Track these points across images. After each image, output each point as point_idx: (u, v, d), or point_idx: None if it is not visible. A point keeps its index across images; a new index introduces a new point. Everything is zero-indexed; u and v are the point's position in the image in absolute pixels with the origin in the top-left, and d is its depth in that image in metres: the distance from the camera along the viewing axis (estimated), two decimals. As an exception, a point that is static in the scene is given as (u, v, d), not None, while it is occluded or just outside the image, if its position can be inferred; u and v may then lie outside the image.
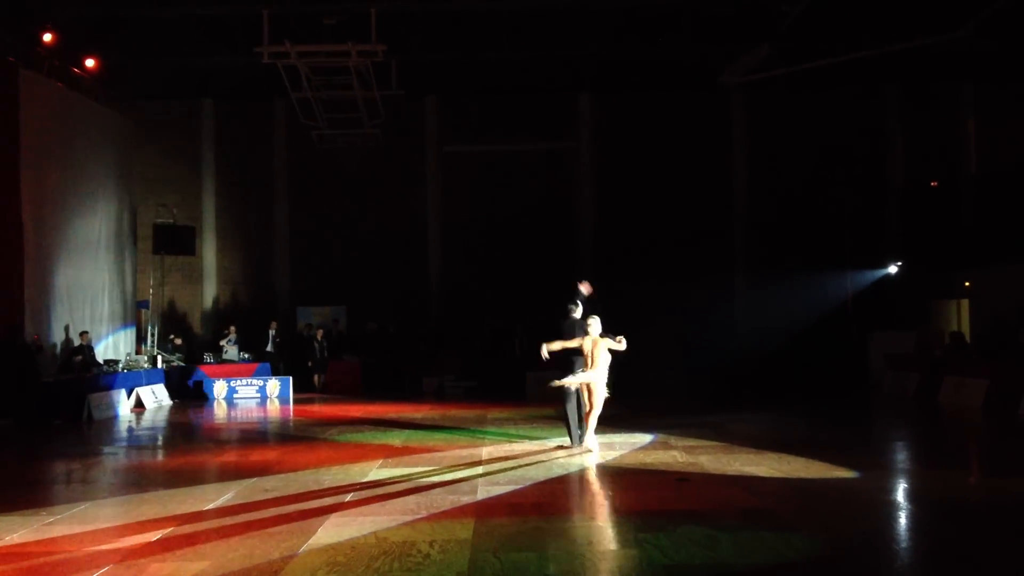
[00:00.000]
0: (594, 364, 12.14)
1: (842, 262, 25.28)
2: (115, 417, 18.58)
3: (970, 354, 19.99)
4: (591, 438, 12.39)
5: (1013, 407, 16.52)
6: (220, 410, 20.57)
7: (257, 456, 13.02)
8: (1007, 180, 23.54)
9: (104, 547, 7.65)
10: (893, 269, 25.52)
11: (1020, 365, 17.29)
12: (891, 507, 9.09)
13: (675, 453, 12.22)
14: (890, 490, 9.81)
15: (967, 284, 24.28)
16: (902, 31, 21.60)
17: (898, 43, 21.54)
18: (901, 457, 12.49)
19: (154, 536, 7.92)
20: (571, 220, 27.05)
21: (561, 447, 12.87)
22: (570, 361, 12.61)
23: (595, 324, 12.29)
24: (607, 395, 12.33)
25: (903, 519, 8.62)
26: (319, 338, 23.98)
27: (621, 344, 12.11)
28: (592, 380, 12.20)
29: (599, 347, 12.13)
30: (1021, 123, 25.36)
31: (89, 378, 19.03)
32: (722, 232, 26.66)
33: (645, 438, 13.60)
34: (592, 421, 12.37)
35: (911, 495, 9.63)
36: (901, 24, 21.72)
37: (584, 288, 13.19)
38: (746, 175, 26.91)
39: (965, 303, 24.76)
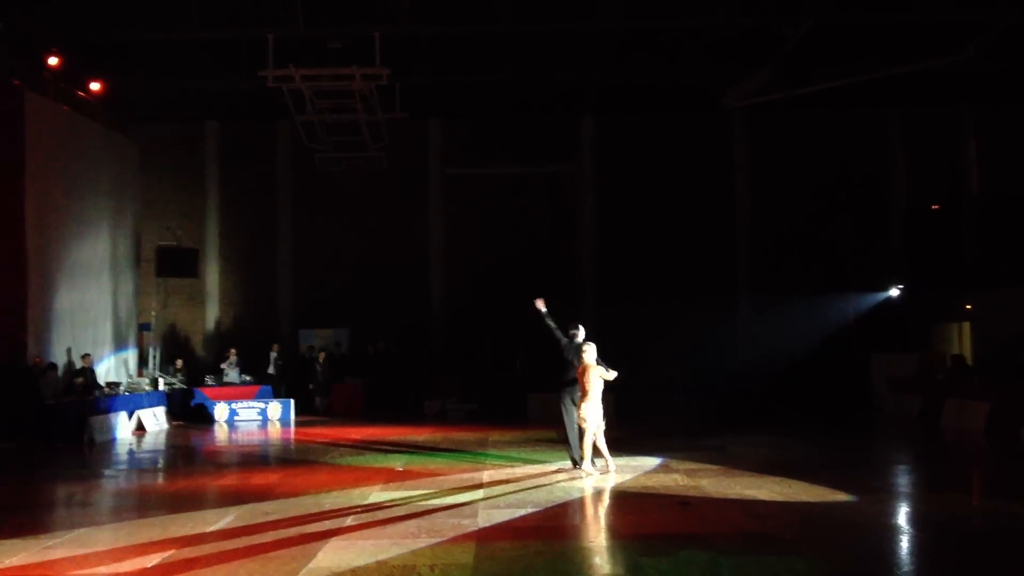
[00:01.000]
0: (586, 392, 12.27)
1: (844, 284, 25.29)
2: (116, 440, 18.57)
3: (972, 377, 19.95)
4: (588, 463, 12.43)
5: (1015, 430, 16.47)
6: (221, 433, 20.53)
7: (258, 479, 13.00)
8: (1009, 203, 23.59)
9: (103, 570, 7.65)
10: (895, 291, 25.51)
11: (1021, 389, 17.26)
12: (893, 531, 9.07)
13: (676, 476, 12.21)
14: (892, 514, 9.80)
15: (969, 307, 24.26)
16: (903, 54, 21.68)
17: (899, 66, 21.60)
18: (903, 480, 12.47)
19: (154, 560, 7.92)
20: (574, 241, 27.09)
21: (561, 470, 12.87)
22: (569, 387, 12.78)
23: (590, 351, 12.43)
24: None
25: (905, 543, 8.61)
26: (321, 360, 23.97)
27: (611, 375, 12.25)
28: (589, 410, 12.26)
29: (590, 374, 12.25)
30: (1022, 146, 25.44)
31: (90, 401, 18.99)
32: (724, 253, 26.67)
33: (646, 461, 13.58)
34: (587, 447, 12.41)
35: (913, 519, 9.61)
36: (902, 47, 21.81)
37: (540, 304, 13.35)
38: (748, 197, 26.94)
39: (967, 326, 24.73)
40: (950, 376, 20.75)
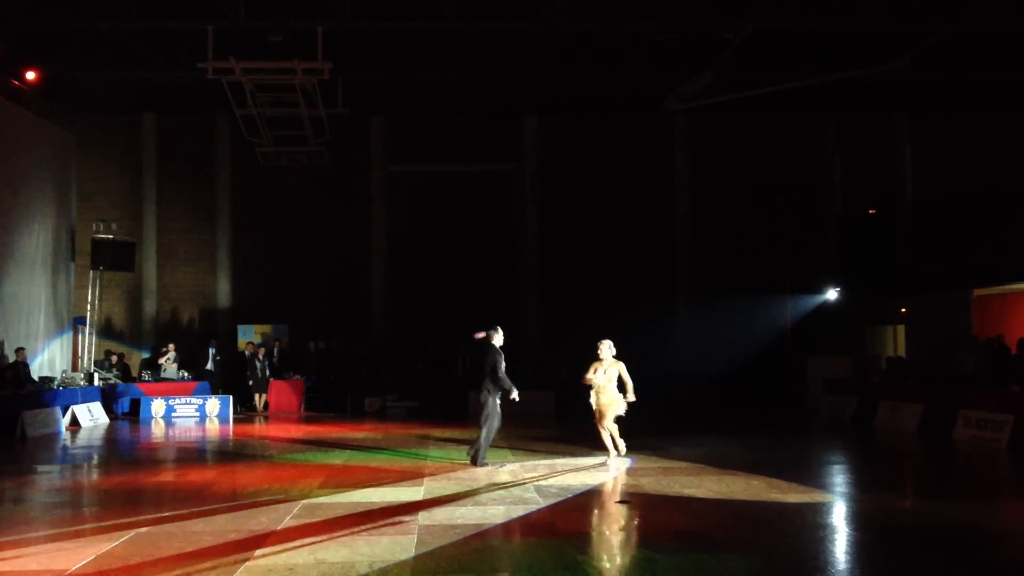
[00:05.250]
0: (604, 388, 13.46)
1: (782, 287, 25.60)
2: (49, 435, 18.20)
3: (905, 379, 20.32)
4: (614, 457, 13.50)
5: (947, 431, 16.84)
6: (158, 429, 20.25)
7: (195, 476, 12.86)
8: (942, 208, 24.05)
9: (36, 568, 7.51)
10: (831, 295, 25.89)
11: (954, 390, 17.63)
12: (827, 530, 9.20)
13: (616, 475, 12.29)
14: (826, 513, 9.93)
15: (903, 310, 24.71)
16: (842, 61, 22.07)
17: (837, 73, 21.96)
18: (837, 480, 12.64)
19: (87, 558, 7.78)
20: (515, 241, 27.14)
21: (504, 465, 12.99)
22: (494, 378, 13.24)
23: (605, 347, 13.53)
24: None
25: (838, 542, 8.73)
26: (260, 357, 23.74)
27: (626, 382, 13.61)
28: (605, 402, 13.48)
29: (613, 370, 13.50)
30: (956, 153, 25.98)
31: (23, 395, 18.64)
32: (664, 255, 26.90)
33: (587, 460, 13.66)
34: (607, 439, 13.52)
35: (846, 518, 9.76)
36: (841, 54, 22.19)
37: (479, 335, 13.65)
38: (688, 199, 27.19)
39: (901, 329, 25.19)
40: (885, 378, 21.13)
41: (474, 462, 13.14)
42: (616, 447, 13.52)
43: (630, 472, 12.48)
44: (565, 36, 22.14)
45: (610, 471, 12.83)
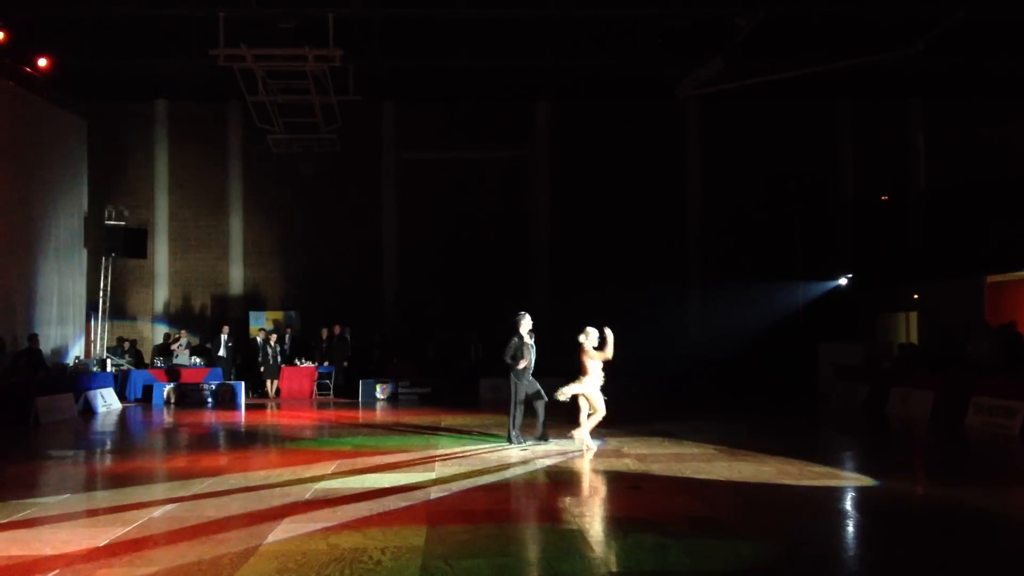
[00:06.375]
0: (586, 372, 13.26)
1: (793, 273, 25.56)
2: (63, 421, 18.28)
3: (918, 366, 20.26)
4: (587, 439, 13.34)
5: (959, 418, 16.79)
6: (170, 415, 20.33)
7: (207, 461, 12.89)
8: (955, 195, 23.95)
9: (50, 552, 7.55)
10: (843, 281, 25.83)
11: (966, 377, 17.56)
12: (839, 515, 9.21)
13: (627, 460, 12.30)
14: (837, 498, 9.94)
15: (916, 296, 24.63)
16: (854, 47, 21.96)
17: (850, 59, 21.87)
18: (849, 466, 12.63)
19: (101, 541, 7.83)
20: (527, 228, 27.13)
21: (522, 449, 13.14)
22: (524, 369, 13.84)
23: (588, 336, 13.31)
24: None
25: (850, 527, 8.74)
26: (272, 343, 23.81)
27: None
28: (587, 390, 13.33)
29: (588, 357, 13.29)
30: (969, 140, 25.84)
31: (36, 381, 18.72)
32: (676, 241, 26.88)
33: (597, 445, 13.66)
34: (586, 424, 13.34)
35: (858, 504, 9.75)
36: (853, 40, 22.08)
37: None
38: (700, 186, 27.14)
39: (913, 315, 25.11)
40: (897, 365, 21.08)
41: (509, 440, 13.84)
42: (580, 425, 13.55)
43: (641, 458, 12.48)
44: (576, 22, 22.09)
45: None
